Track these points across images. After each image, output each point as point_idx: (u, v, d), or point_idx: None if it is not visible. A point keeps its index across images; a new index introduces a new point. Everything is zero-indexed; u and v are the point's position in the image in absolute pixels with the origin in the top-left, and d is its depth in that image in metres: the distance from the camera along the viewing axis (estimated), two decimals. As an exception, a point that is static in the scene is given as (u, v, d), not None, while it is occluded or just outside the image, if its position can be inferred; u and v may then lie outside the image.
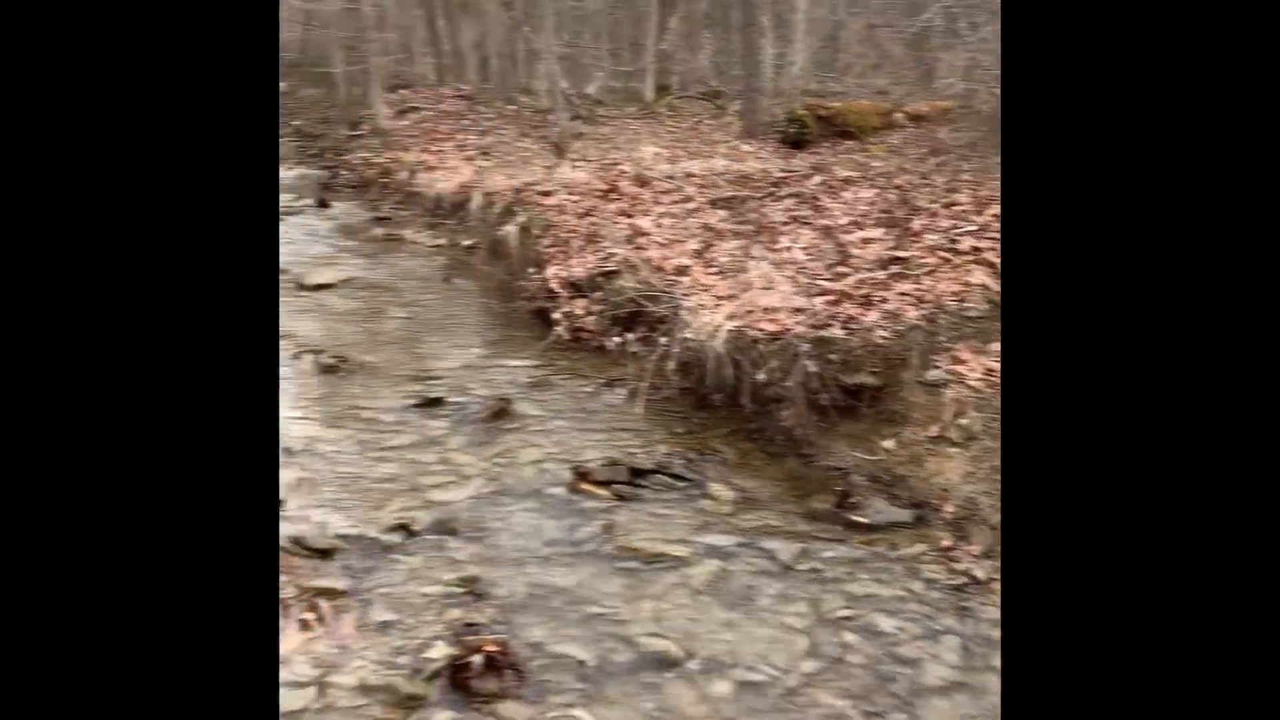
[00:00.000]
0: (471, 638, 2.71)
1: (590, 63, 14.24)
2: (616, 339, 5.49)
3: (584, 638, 2.83)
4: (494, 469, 3.98)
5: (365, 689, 2.55)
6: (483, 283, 7.30)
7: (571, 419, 4.58)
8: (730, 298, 4.82)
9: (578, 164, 8.36)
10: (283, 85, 24.04)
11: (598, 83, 14.05)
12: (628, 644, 2.81)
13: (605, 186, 7.30)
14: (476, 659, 2.58)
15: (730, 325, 4.53)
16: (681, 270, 5.45)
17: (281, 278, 7.11)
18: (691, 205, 6.69)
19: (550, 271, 6.11)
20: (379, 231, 9.07)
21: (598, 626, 2.89)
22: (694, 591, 3.10)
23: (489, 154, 9.77)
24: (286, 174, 12.93)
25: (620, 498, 3.73)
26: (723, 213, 6.44)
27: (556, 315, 5.79)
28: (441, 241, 8.67)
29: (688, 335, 4.71)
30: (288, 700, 2.48)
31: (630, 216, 6.53)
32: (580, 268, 5.98)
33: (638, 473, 3.89)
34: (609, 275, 5.84)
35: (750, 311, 4.59)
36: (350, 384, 4.94)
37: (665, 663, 2.73)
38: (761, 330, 4.42)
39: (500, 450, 4.17)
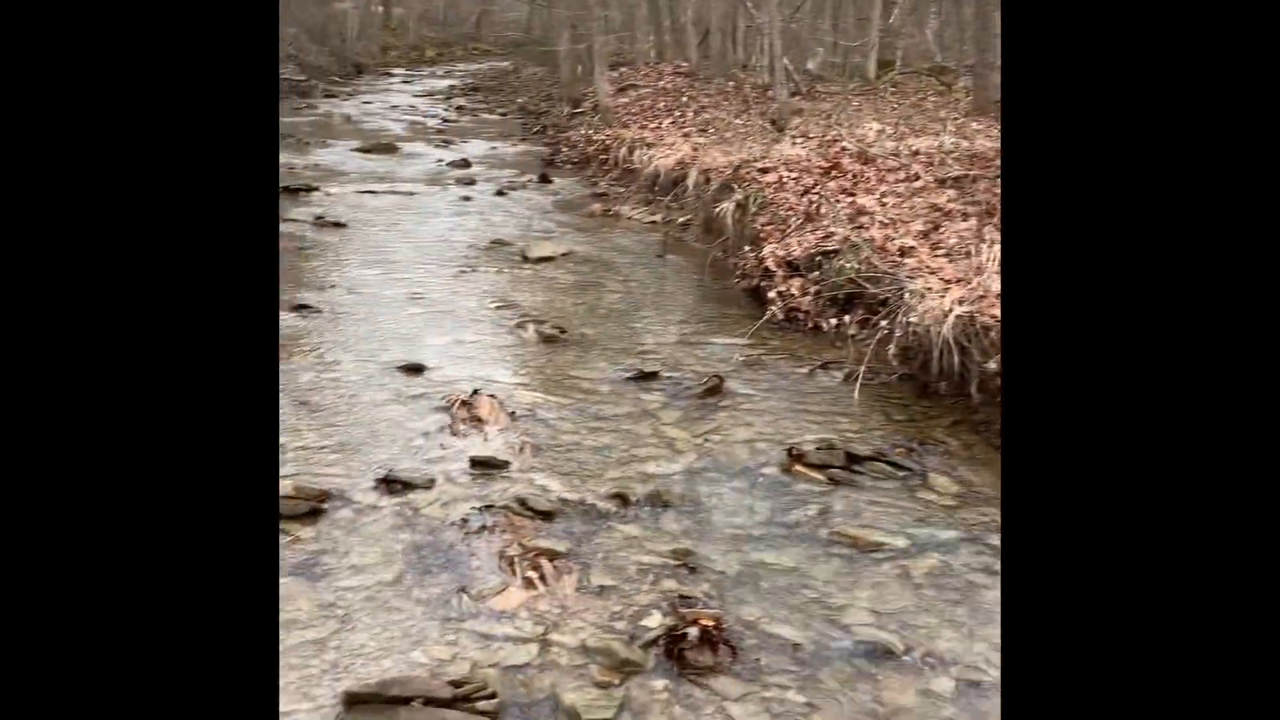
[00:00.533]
0: (687, 610, 2.73)
1: (811, 38, 13.96)
2: (833, 320, 5.39)
3: (798, 621, 2.80)
4: (706, 445, 3.99)
5: (585, 650, 2.62)
6: (697, 260, 7.33)
7: (785, 400, 4.52)
8: (959, 281, 4.61)
9: (798, 140, 8.23)
10: (506, 64, 24.97)
11: (819, 58, 13.77)
12: (843, 631, 2.75)
13: (826, 164, 7.15)
14: (692, 631, 2.60)
15: (959, 310, 4.33)
16: (906, 251, 5.26)
17: (506, 250, 7.42)
18: (918, 184, 6.44)
19: (766, 250, 6.05)
20: (597, 207, 9.29)
21: (812, 611, 2.85)
22: (914, 584, 2.99)
23: (707, 130, 9.78)
24: (509, 150, 13.48)
25: (835, 482, 3.66)
26: (951, 192, 6.17)
27: (771, 294, 5.73)
28: (657, 218, 8.78)
29: (911, 319, 4.55)
30: (511, 654, 2.59)
31: (852, 195, 6.36)
32: (798, 246, 5.89)
33: (854, 458, 3.80)
34: (828, 255, 5.72)
35: (981, 296, 4.37)
36: (569, 354, 5.09)
37: (883, 653, 2.65)
38: (993, 317, 4.20)
39: (713, 427, 4.18)
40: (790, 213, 6.39)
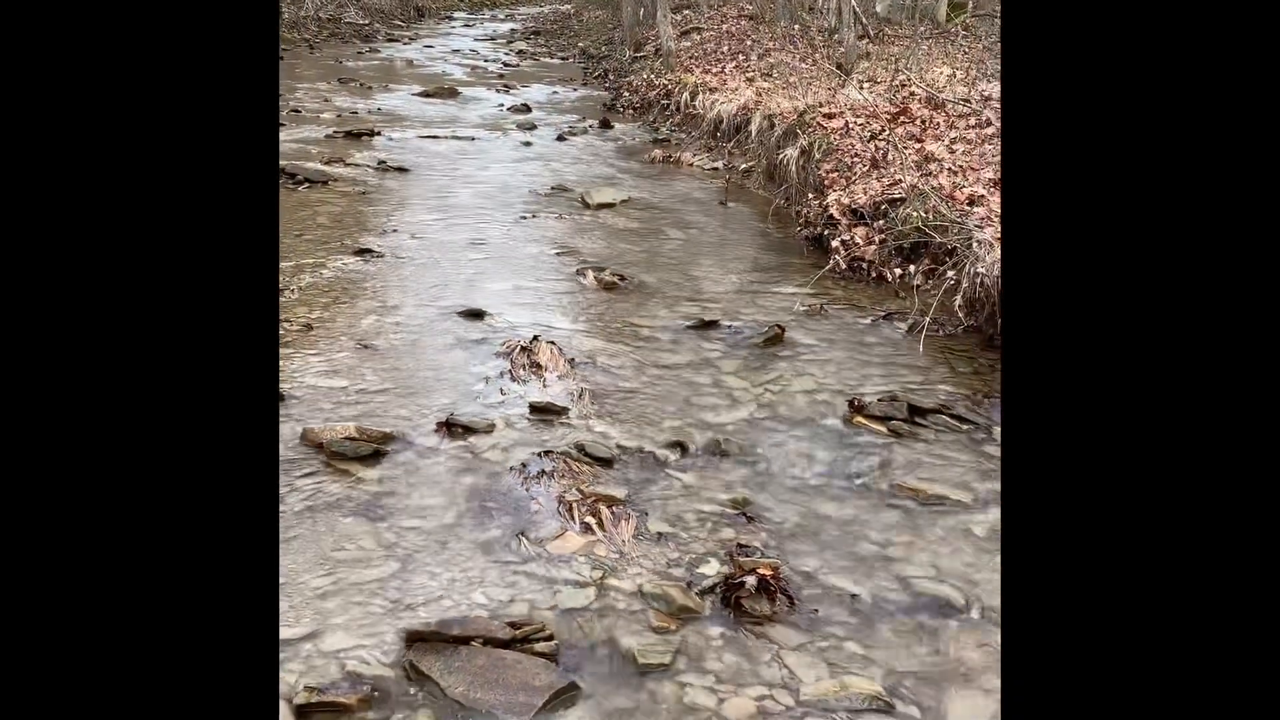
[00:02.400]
0: (746, 559, 2.73)
1: (881, -21, 13.54)
2: (898, 270, 5.28)
3: (857, 572, 2.77)
4: (766, 395, 3.96)
5: (642, 595, 2.63)
6: (759, 207, 7.23)
7: (847, 350, 4.46)
8: (1030, 231, 4.46)
9: (865, 86, 8.01)
10: (568, 7, 24.64)
11: (887, 1, 13.36)
12: (903, 584, 2.73)
13: (894, 109, 6.95)
14: (750, 580, 2.59)
15: (1029, 261, 4.20)
16: (975, 200, 5.12)
17: (566, 196, 7.38)
18: (989, 130, 6.24)
19: (831, 197, 5.94)
20: (658, 153, 9.19)
21: (872, 563, 2.82)
22: (976, 539, 2.94)
23: (771, 75, 9.58)
24: (570, 94, 13.38)
25: (897, 435, 3.60)
26: (1024, 140, 5.96)
27: (835, 243, 5.64)
28: (719, 164, 8.66)
29: (979, 270, 4.43)
30: (569, 597, 2.61)
31: (920, 141, 6.19)
32: (863, 194, 5.76)
33: (917, 411, 3.74)
34: (894, 203, 5.59)
35: (1053, 247, 4.23)
36: (628, 301, 5.06)
37: (944, 608, 2.62)
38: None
39: (773, 377, 4.14)
40: (856, 160, 6.25)
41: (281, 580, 2.60)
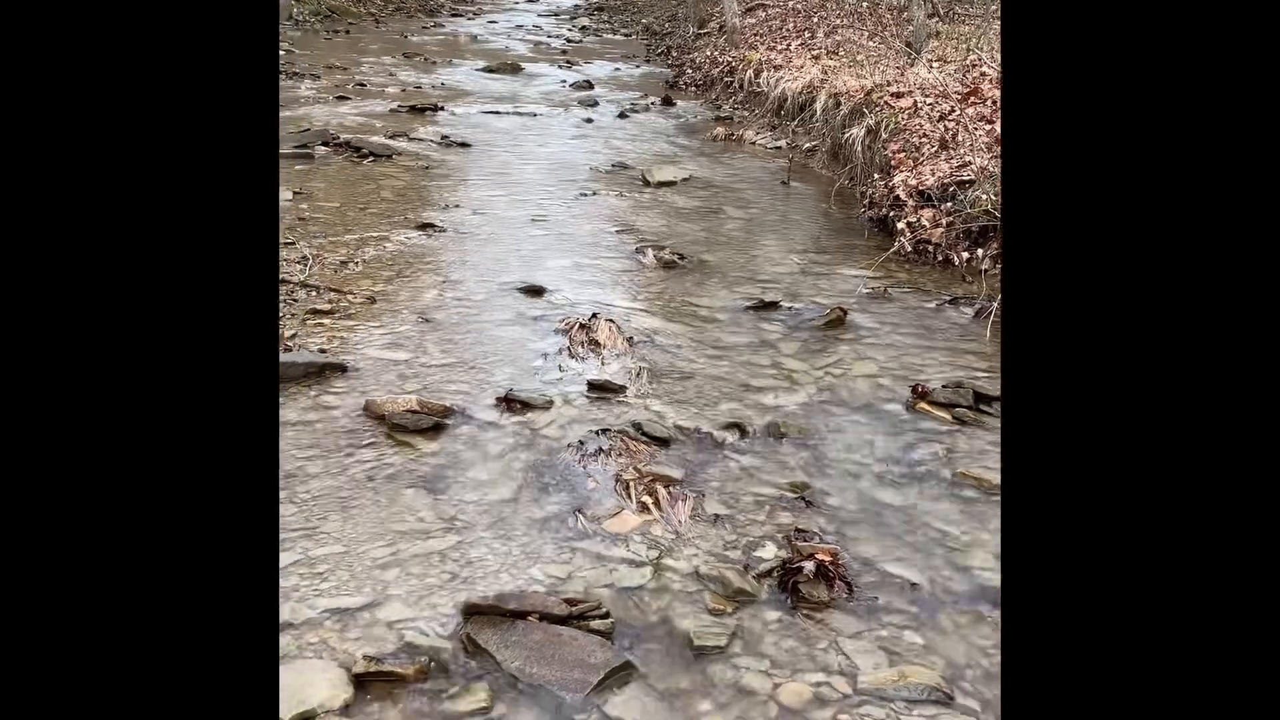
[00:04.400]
0: (804, 543, 2.70)
1: (953, -45, 13.21)
2: (965, 254, 5.17)
3: (917, 560, 2.73)
4: (827, 378, 3.90)
5: (698, 576, 2.61)
6: (823, 187, 7.13)
7: (911, 335, 4.38)
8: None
9: (934, 64, 7.83)
10: (634, -16, 24.51)
11: (959, -23, 13.04)
12: (964, 573, 2.67)
13: (965, 89, 6.79)
14: (808, 565, 2.56)
15: (1103, 247, 4.08)
16: (1047, 183, 4.98)
17: (627, 173, 7.35)
18: (1063, 112, 6.06)
19: (897, 178, 5.82)
20: (720, 131, 9.11)
21: (932, 551, 2.77)
22: (1041, 531, 2.87)
23: (838, 53, 9.41)
24: (633, 71, 13.30)
25: (962, 422, 3.53)
26: (1100, 121, 5.78)
27: (900, 225, 5.53)
28: (782, 143, 8.55)
29: (1050, 255, 4.31)
30: (625, 576, 2.61)
31: (991, 122, 6.04)
32: (931, 175, 5.64)
33: (983, 398, 3.66)
34: (963, 185, 5.46)
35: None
36: (688, 280, 5.03)
37: (1006, 601, 2.56)
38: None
39: (834, 360, 4.08)
40: (924, 140, 6.12)
41: (342, 549, 2.63)
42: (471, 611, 2.38)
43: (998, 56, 7.65)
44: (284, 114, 8.77)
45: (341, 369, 3.71)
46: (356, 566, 2.57)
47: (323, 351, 3.85)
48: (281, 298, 4.41)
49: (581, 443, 3.25)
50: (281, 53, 12.77)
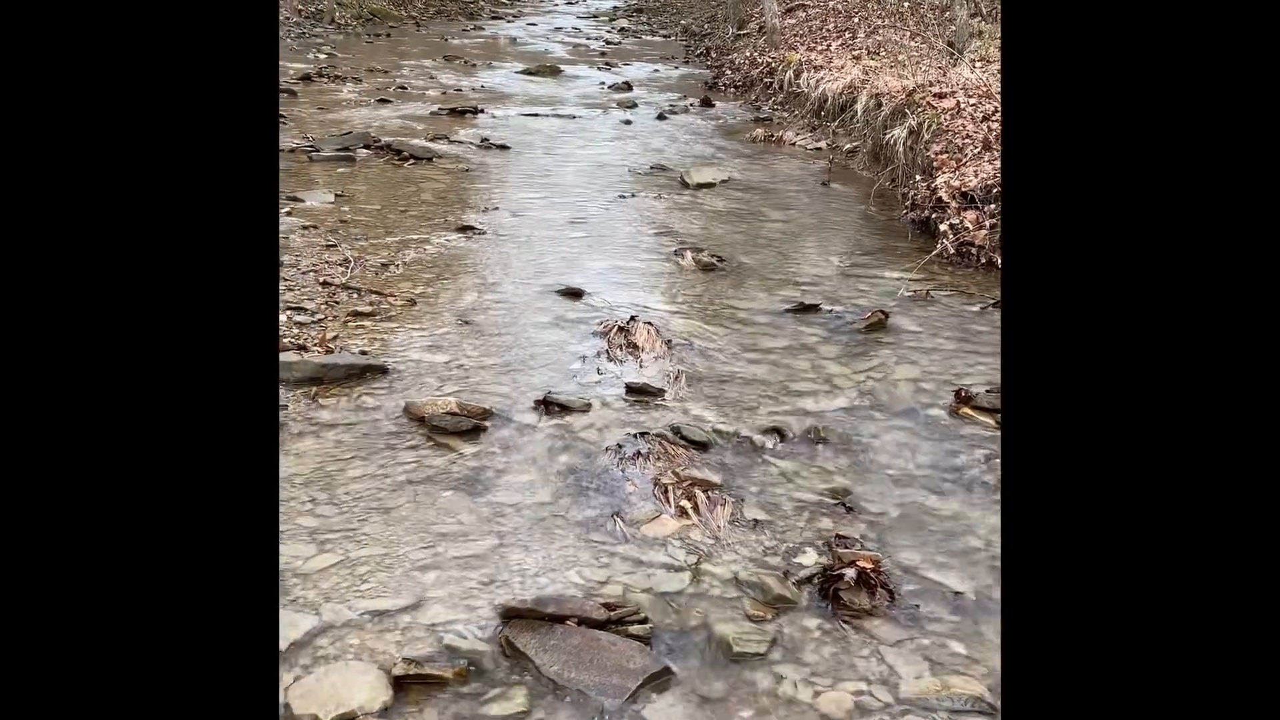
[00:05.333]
0: (845, 550, 2.67)
1: (996, -47, 13.03)
2: (1009, 256, 5.09)
3: (961, 568, 2.69)
4: (868, 382, 3.86)
5: (737, 582, 2.59)
6: (863, 189, 7.07)
7: (953, 338, 4.32)
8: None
9: (977, 64, 7.74)
10: (672, -14, 24.45)
11: (1002, -25, 12.87)
12: (1009, 584, 2.63)
13: (1008, 89, 6.70)
14: (849, 572, 2.53)
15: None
16: (1094, 185, 4.89)
17: (666, 175, 7.33)
18: (1110, 112, 5.96)
19: (940, 180, 5.76)
20: (760, 132, 9.07)
21: (977, 559, 2.73)
22: (1088, 540, 2.82)
23: (879, 53, 9.33)
24: (672, 72, 13.29)
25: (1005, 427, 3.47)
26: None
27: (943, 227, 5.47)
28: (822, 144, 8.49)
29: (1097, 258, 4.24)
30: (664, 581, 2.59)
31: (1036, 123, 5.95)
32: (974, 177, 5.57)
33: (1027, 403, 3.59)
34: (1007, 187, 5.38)
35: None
36: (726, 283, 5.00)
37: (1052, 611, 2.52)
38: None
39: (875, 364, 4.04)
40: (967, 141, 6.04)
41: (383, 551, 2.65)
42: (510, 615, 2.38)
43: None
44: (326, 117, 8.86)
45: (382, 371, 3.73)
46: (398, 568, 2.58)
47: (364, 353, 3.88)
48: (323, 300, 4.46)
49: (620, 446, 3.25)
50: (323, 56, 12.91)
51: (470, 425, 3.31)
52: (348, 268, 4.89)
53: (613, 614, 2.40)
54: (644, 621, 2.40)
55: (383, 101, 9.96)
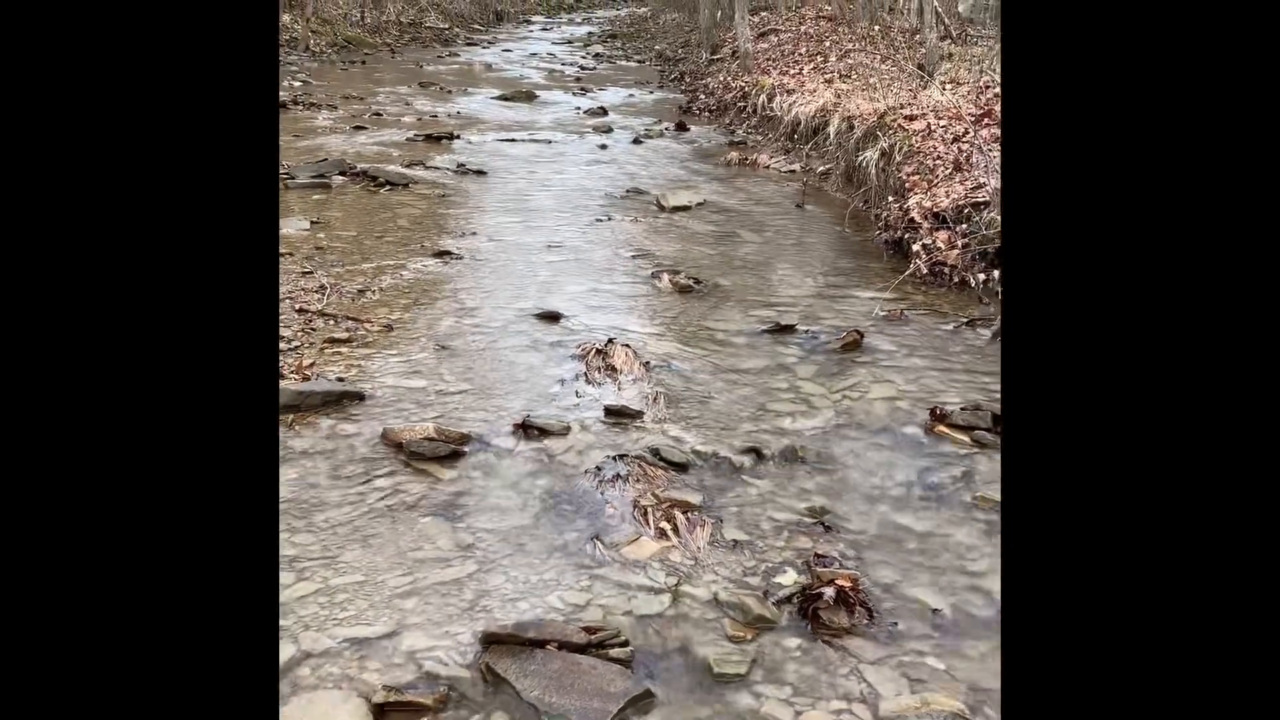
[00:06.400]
0: (824, 569, 2.68)
1: (964, -22, 13.27)
2: (981, 275, 5.15)
3: (938, 585, 2.70)
4: (844, 402, 3.89)
5: (717, 603, 2.60)
6: (837, 211, 7.13)
7: (928, 357, 4.36)
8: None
9: (947, 87, 7.85)
10: (644, 10, 24.66)
11: (969, 0, 13.09)
12: (987, 598, 2.65)
13: (978, 111, 6.80)
14: (828, 591, 2.55)
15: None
16: (1063, 204, 4.96)
17: (642, 199, 7.38)
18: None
19: (912, 201, 5.83)
20: (734, 156, 9.14)
21: (954, 576, 2.75)
22: (1064, 555, 2.85)
23: (851, 76, 9.45)
24: (647, 97, 13.39)
25: (981, 445, 3.51)
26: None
27: (916, 247, 5.53)
28: (796, 167, 8.57)
29: (1067, 276, 4.29)
30: (644, 603, 2.59)
31: (1005, 144, 6.04)
32: (946, 197, 5.64)
33: (1001, 420, 3.63)
34: (978, 206, 5.46)
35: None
36: (704, 305, 5.03)
37: (1029, 626, 2.53)
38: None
39: (851, 383, 4.07)
40: (938, 162, 6.12)
41: (361, 578, 2.64)
42: (490, 640, 2.38)
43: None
44: (301, 144, 8.86)
45: (359, 397, 3.72)
46: (375, 595, 2.57)
47: (340, 380, 3.87)
48: (300, 327, 4.44)
49: (599, 469, 3.25)
50: (299, 84, 12.92)
51: (448, 450, 3.31)
52: (324, 294, 4.88)
53: (593, 637, 2.40)
54: (625, 644, 2.40)
55: (358, 128, 9.97)
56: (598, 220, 6.72)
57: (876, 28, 12.06)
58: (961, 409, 3.71)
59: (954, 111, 6.88)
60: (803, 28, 13.34)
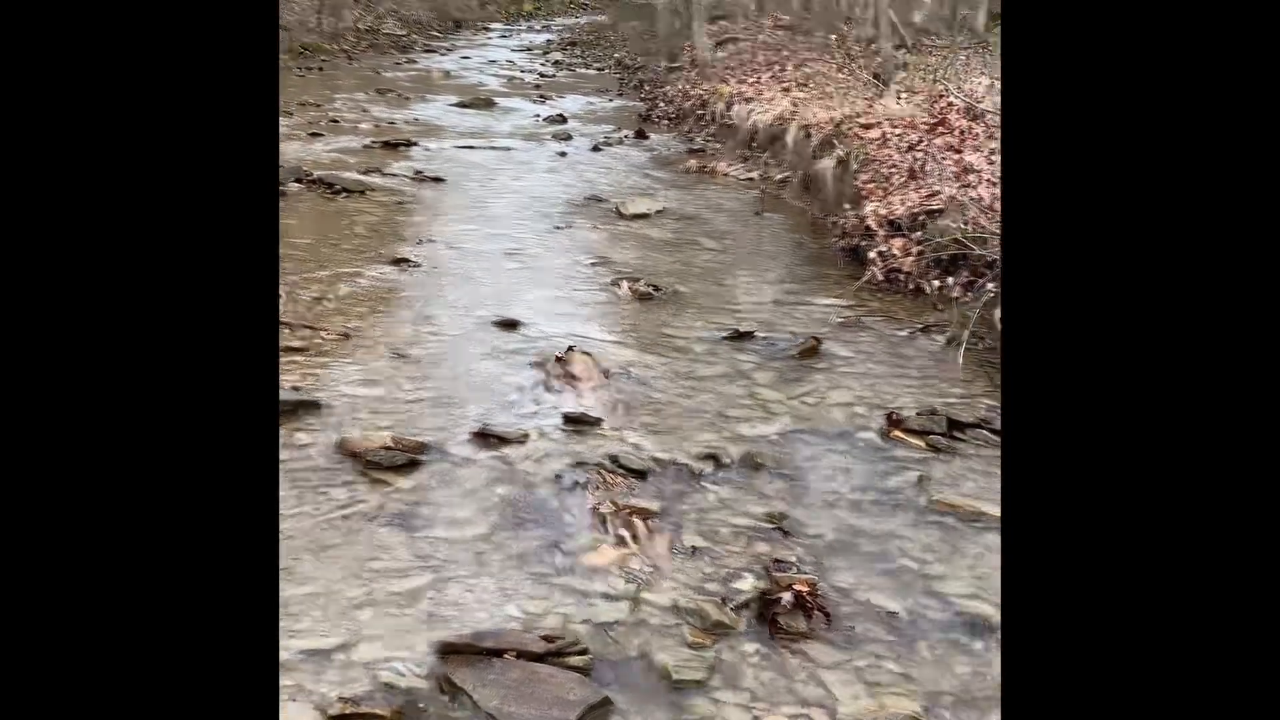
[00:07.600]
0: (781, 574, 2.70)
1: (918, -11, 13.45)
2: (936, 282, 5.22)
3: (895, 589, 2.73)
4: (802, 408, 3.92)
5: (676, 610, 2.60)
6: (795, 218, 7.19)
7: (884, 363, 4.41)
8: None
9: (902, 96, 7.95)
10: (604, 18, 24.74)
11: (925, 10, 13.28)
12: (942, 601, 2.68)
13: (932, 120, 6.89)
14: (786, 596, 2.56)
15: (1071, 274, 4.13)
16: (1015, 212, 5.04)
17: (601, 206, 7.38)
18: (1029, 141, 6.16)
19: (868, 208, 5.89)
20: (693, 163, 9.18)
21: (909, 580, 2.78)
22: (1017, 557, 2.89)
23: (808, 85, 9.53)
24: (606, 105, 13.40)
25: (936, 450, 3.55)
26: (1065, 150, 5.88)
27: (872, 254, 5.58)
28: (755, 175, 8.62)
29: (1020, 282, 4.36)
30: (603, 611, 2.59)
31: (959, 152, 6.13)
32: (901, 205, 5.71)
33: (956, 425, 3.68)
34: (932, 214, 5.53)
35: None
36: (663, 312, 5.05)
37: (984, 627, 2.57)
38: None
39: (809, 389, 4.10)
40: (893, 170, 6.19)
41: (316, 591, 2.61)
42: (448, 650, 2.36)
43: (964, 87, 7.78)
44: (257, 151, 8.75)
45: (315, 406, 3.68)
46: (331, 607, 2.54)
47: (296, 389, 3.83)
48: (254, 335, 4.39)
49: (558, 476, 3.24)
50: (254, 90, 12.75)
51: (405, 459, 3.28)
52: (279, 302, 4.82)
53: (552, 645, 2.39)
54: (584, 652, 2.40)
55: (314, 135, 9.88)
56: (557, 228, 6.71)
57: (833, 37, 12.19)
58: (917, 414, 3.76)
59: (909, 120, 6.97)
60: (760, 36, 13.45)
